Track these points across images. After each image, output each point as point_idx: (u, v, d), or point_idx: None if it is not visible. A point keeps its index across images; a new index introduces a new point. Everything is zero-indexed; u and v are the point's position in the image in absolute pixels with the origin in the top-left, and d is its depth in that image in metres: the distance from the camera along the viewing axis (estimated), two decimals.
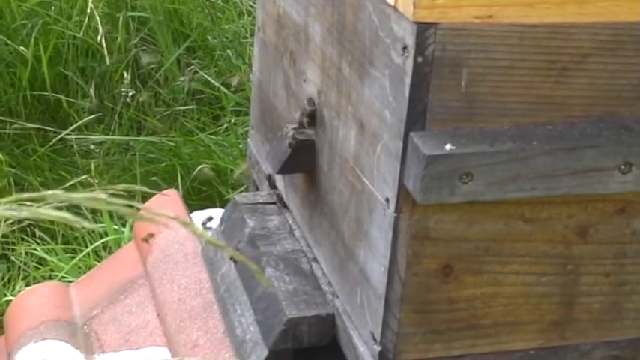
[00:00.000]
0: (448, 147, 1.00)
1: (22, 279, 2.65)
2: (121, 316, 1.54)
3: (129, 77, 3.49)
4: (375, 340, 1.12)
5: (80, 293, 1.67)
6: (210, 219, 1.64)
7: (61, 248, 2.70)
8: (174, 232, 1.60)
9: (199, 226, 1.58)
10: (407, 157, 1.02)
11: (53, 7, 3.60)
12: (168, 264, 1.55)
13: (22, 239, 2.76)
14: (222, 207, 1.65)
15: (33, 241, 2.75)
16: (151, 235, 1.62)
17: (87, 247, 2.63)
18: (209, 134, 3.28)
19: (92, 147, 3.32)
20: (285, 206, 1.46)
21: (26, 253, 2.71)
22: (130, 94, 3.44)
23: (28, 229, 2.82)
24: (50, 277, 2.58)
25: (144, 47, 3.60)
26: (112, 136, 3.35)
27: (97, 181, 3.07)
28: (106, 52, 3.48)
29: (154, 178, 3.13)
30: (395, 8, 1.01)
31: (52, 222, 2.76)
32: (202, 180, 3.06)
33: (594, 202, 1.09)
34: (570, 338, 1.16)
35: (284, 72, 1.42)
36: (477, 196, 1.01)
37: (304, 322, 1.24)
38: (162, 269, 1.55)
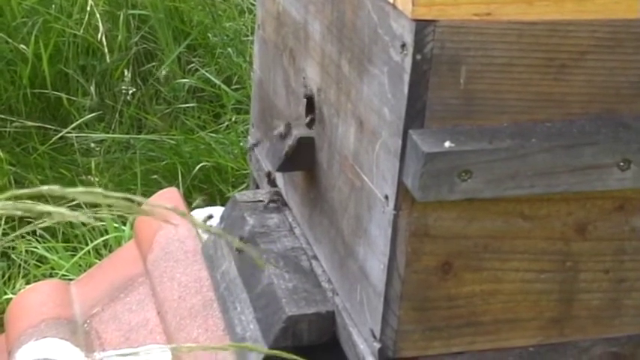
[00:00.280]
0: (447, 144, 1.00)
1: (23, 277, 2.65)
2: (121, 314, 1.54)
3: (129, 75, 3.49)
4: (374, 337, 1.12)
5: (80, 291, 1.67)
6: (210, 217, 1.64)
7: (61, 246, 2.70)
8: (175, 230, 1.60)
9: None
10: (406, 154, 1.02)
11: (53, 5, 3.60)
12: (169, 262, 1.55)
13: (23, 237, 2.76)
14: (223, 205, 1.65)
15: (33, 239, 2.75)
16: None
17: (87, 245, 2.64)
18: (210, 132, 3.28)
19: (92, 145, 3.32)
20: (285, 204, 1.46)
21: (26, 251, 2.71)
22: (130, 91, 3.44)
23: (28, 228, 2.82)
24: (50, 275, 2.58)
25: (144, 45, 3.60)
26: (113, 134, 3.36)
27: (97, 179, 3.08)
28: (106, 50, 3.48)
29: (155, 176, 3.13)
30: (394, 6, 1.01)
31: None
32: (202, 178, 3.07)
33: (593, 199, 1.09)
34: (569, 335, 1.16)
35: (284, 70, 1.42)
36: (476, 193, 1.01)
37: (304, 319, 1.24)
38: (162, 267, 1.55)
